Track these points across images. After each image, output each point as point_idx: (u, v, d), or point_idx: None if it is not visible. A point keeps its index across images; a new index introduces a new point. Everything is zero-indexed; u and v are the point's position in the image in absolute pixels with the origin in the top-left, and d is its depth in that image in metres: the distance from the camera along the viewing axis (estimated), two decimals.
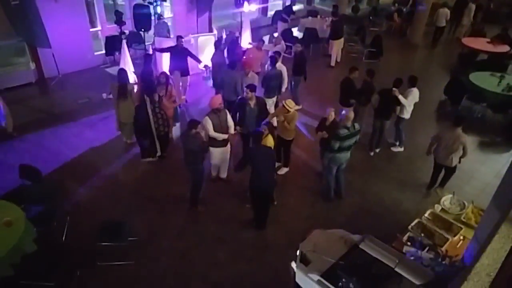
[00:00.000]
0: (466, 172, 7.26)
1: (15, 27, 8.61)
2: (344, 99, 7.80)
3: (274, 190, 5.89)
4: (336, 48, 11.75)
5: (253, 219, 5.89)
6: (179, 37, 8.66)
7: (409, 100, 7.19)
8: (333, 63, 11.85)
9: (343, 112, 5.96)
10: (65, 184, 6.51)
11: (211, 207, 6.21)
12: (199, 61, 8.98)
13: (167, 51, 8.86)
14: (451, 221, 4.87)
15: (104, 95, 8.31)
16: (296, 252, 4.57)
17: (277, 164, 6.70)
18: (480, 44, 12.14)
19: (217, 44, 9.38)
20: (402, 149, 7.86)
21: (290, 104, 6.31)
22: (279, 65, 8.15)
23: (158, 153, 7.20)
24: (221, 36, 10.36)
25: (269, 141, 5.90)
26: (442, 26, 14.11)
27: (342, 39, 11.80)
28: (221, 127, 6.11)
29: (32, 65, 9.66)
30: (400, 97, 7.07)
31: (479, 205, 5.10)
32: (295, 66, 8.77)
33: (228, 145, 6.41)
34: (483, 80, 9.41)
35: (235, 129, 6.37)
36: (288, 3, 13.17)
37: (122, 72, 7.17)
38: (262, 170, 5.37)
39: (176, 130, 7.94)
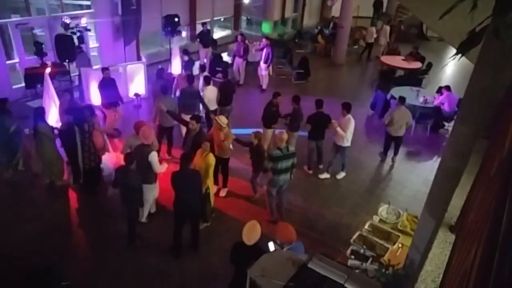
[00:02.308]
0: (398, 182, 7.70)
1: None
2: (266, 123, 7.86)
3: (200, 212, 5.69)
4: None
5: (172, 247, 5.63)
6: (104, 69, 8.41)
7: (350, 131, 7.26)
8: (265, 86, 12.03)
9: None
10: None
11: (149, 240, 5.89)
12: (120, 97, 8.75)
13: (100, 87, 8.48)
14: (389, 230, 5.05)
15: (27, 131, 7.60)
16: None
17: (215, 188, 6.65)
18: (396, 61, 13.22)
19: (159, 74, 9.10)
20: (329, 176, 7.76)
21: (223, 119, 6.49)
22: (211, 87, 8.30)
23: (80, 181, 6.74)
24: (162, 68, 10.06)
25: (211, 159, 5.81)
26: (371, 42, 15.68)
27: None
28: (142, 163, 5.69)
29: None
30: (339, 129, 7.16)
31: (412, 212, 5.37)
32: (222, 97, 8.57)
33: (153, 185, 5.97)
34: (404, 94, 10.15)
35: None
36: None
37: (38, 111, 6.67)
38: (184, 192, 5.26)
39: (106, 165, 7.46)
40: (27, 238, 5.81)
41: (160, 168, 5.88)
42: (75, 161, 6.56)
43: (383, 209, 5.51)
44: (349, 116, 7.27)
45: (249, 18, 18.44)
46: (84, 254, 5.66)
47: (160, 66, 10.19)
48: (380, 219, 5.34)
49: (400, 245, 4.80)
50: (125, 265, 5.48)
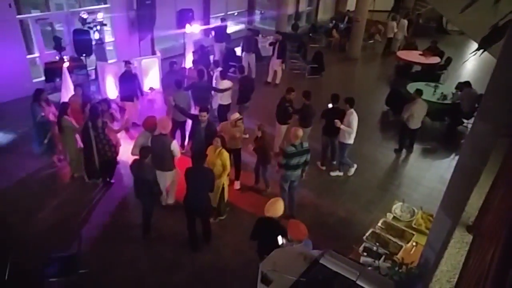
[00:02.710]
0: (413, 179, 7.58)
1: None
2: (280, 119, 7.81)
3: (208, 209, 5.70)
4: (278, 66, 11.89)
5: (188, 240, 5.71)
6: (127, 62, 8.47)
7: (354, 126, 7.00)
8: (271, 79, 11.92)
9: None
10: (6, 218, 6.04)
11: (164, 232, 5.98)
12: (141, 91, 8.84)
13: (120, 80, 8.54)
14: (403, 228, 4.97)
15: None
16: (255, 272, 4.42)
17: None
18: (413, 56, 12.97)
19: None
20: (341, 173, 7.62)
21: (235, 116, 6.63)
22: (225, 82, 8.27)
23: (100, 179, 6.94)
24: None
25: (225, 154, 5.83)
26: (391, 37, 15.36)
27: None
28: (162, 152, 5.88)
29: None
30: (343, 127, 7.00)
31: (427, 210, 5.27)
32: (240, 94, 8.56)
33: (175, 169, 6.22)
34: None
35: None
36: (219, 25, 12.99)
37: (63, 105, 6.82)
38: (194, 189, 5.29)
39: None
40: (47, 226, 5.98)
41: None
42: (90, 156, 6.65)
43: (397, 207, 5.42)
44: (352, 110, 7.04)
45: (262, 12, 18.34)
46: (101, 243, 5.76)
47: (173, 60, 10.21)
48: (394, 217, 5.26)
49: (414, 244, 4.72)
50: (139, 255, 5.57)
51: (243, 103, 8.64)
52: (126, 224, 6.13)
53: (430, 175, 7.74)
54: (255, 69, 12.06)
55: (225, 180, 5.99)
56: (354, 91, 11.77)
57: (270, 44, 11.75)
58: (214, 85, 8.79)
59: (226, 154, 5.85)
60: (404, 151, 8.47)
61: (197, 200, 5.37)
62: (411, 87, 10.14)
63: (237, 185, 7.06)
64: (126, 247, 5.70)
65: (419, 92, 7.98)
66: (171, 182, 6.36)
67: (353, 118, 7.00)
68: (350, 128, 7.00)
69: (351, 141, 7.23)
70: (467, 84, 9.38)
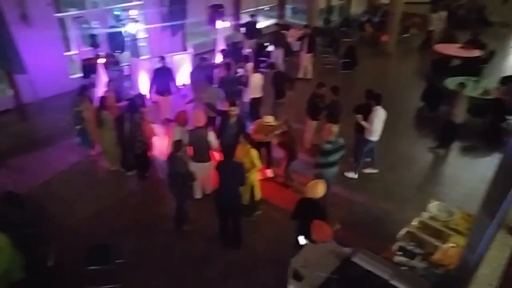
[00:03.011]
0: (450, 178, 7.29)
1: None
2: (311, 114, 7.67)
3: (240, 206, 5.68)
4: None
5: (219, 237, 5.74)
6: (161, 58, 8.62)
7: (375, 123, 6.69)
8: (302, 75, 11.77)
9: None
10: (49, 209, 6.36)
11: (197, 225, 6.07)
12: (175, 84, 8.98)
13: (155, 74, 8.70)
14: (440, 228, 4.80)
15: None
16: (286, 268, 4.41)
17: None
18: (452, 50, 12.42)
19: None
20: (375, 170, 7.34)
21: (269, 120, 6.61)
22: (257, 75, 8.30)
23: (133, 171, 7.14)
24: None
25: (253, 151, 5.82)
26: (432, 30, 14.59)
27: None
28: (200, 145, 5.98)
29: (9, 92, 9.59)
30: (363, 123, 6.77)
31: (466, 211, 5.06)
32: (277, 90, 8.51)
33: (210, 162, 6.30)
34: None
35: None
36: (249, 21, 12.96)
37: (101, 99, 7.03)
38: (226, 184, 5.29)
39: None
40: (85, 217, 6.24)
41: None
42: (125, 149, 6.87)
43: (433, 206, 5.24)
44: (377, 107, 6.70)
45: (293, 6, 18.15)
46: (135, 235, 5.92)
47: (203, 56, 10.31)
48: (430, 216, 5.09)
49: (452, 245, 4.55)
50: (172, 248, 5.69)
51: (278, 99, 8.57)
52: (160, 216, 6.27)
53: (469, 174, 7.41)
54: (284, 64, 11.95)
55: (255, 177, 5.99)
56: (388, 86, 11.49)
57: (298, 39, 11.59)
58: (244, 79, 8.82)
59: (254, 152, 5.83)
60: (442, 148, 8.14)
61: (229, 195, 5.36)
62: (450, 82, 9.76)
63: (269, 173, 7.12)
64: (160, 240, 5.84)
65: (462, 85, 7.69)
66: (207, 175, 6.44)
67: (376, 115, 6.65)
68: (370, 124, 6.70)
69: (372, 138, 6.86)
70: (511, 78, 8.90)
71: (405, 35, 16.04)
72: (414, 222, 5.00)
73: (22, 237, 4.89)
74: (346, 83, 11.75)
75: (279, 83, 8.52)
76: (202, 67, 8.95)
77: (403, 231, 4.85)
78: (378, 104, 6.71)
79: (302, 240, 4.59)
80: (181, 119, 6.37)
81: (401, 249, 4.60)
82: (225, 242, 5.71)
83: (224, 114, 6.60)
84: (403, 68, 13.91)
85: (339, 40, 13.80)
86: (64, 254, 5.36)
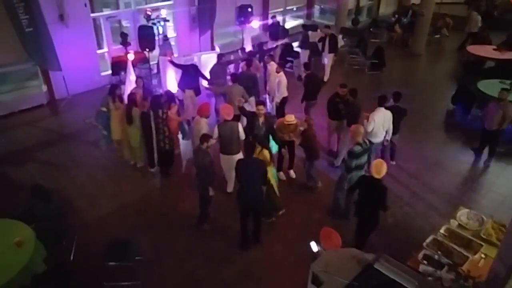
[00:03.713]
0: (482, 185, 7.00)
1: (29, 52, 8.91)
2: (330, 114, 7.51)
3: (262, 204, 5.60)
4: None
5: (241, 237, 5.69)
6: (186, 56, 8.85)
7: (372, 124, 6.44)
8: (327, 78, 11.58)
9: None
10: (73, 203, 6.51)
11: (217, 225, 6.08)
12: (206, 79, 9.00)
13: (181, 68, 8.80)
14: (469, 237, 4.59)
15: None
16: (305, 271, 4.33)
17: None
18: (487, 51, 11.94)
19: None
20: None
21: (290, 119, 6.53)
22: (280, 74, 8.26)
23: (156, 167, 7.22)
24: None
25: (266, 153, 5.81)
26: (474, 32, 13.96)
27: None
28: (231, 137, 6.17)
29: (44, 88, 9.94)
30: (365, 121, 6.54)
31: (499, 220, 4.81)
32: (309, 92, 8.38)
33: (239, 154, 6.29)
34: (493, 88, 9.14)
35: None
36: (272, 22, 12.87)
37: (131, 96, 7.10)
38: (249, 182, 5.23)
39: (184, 147, 7.92)
40: (108, 212, 6.34)
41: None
42: (151, 146, 6.96)
43: (462, 214, 5.02)
44: (379, 108, 6.55)
45: (322, 7, 17.95)
46: (156, 232, 5.96)
47: (221, 53, 10.30)
48: (459, 224, 4.88)
49: (482, 255, 4.34)
50: (192, 247, 5.70)
51: (310, 100, 8.47)
52: (182, 214, 6.31)
53: (502, 181, 7.08)
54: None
55: (271, 176, 5.91)
56: (417, 88, 11.19)
57: (319, 40, 11.44)
58: (267, 78, 8.79)
59: (266, 152, 5.82)
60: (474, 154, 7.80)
61: (252, 193, 5.31)
62: (483, 85, 9.37)
63: (292, 174, 7.12)
64: (180, 238, 5.86)
65: (507, 91, 7.18)
66: (231, 167, 6.40)
67: (374, 116, 6.47)
68: (367, 125, 6.43)
69: (373, 139, 6.57)
70: None
71: (435, 36, 15.58)
72: (442, 230, 4.81)
73: (46, 230, 5.04)
74: (373, 84, 11.53)
75: (311, 84, 8.43)
76: (221, 64, 8.97)
77: (429, 239, 4.67)
78: (380, 105, 6.57)
79: (314, 246, 4.48)
80: (204, 111, 6.53)
81: (427, 257, 4.42)
82: (245, 243, 5.68)
83: (252, 114, 6.57)
84: (433, 70, 13.51)
85: (367, 41, 13.55)
86: (85, 248, 5.45)
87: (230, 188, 6.70)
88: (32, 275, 4.36)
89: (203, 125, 6.44)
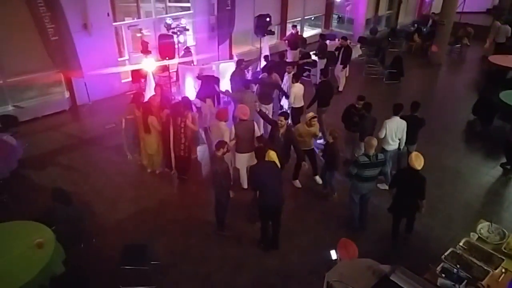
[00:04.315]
0: (504, 197, 6.83)
1: (53, 60, 9.22)
2: (346, 125, 7.51)
3: (282, 206, 5.60)
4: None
5: (260, 241, 5.72)
6: (208, 67, 8.98)
7: (383, 132, 6.54)
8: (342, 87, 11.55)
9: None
10: (92, 206, 6.62)
11: (233, 230, 6.09)
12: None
13: (202, 79, 8.91)
14: (490, 251, 4.47)
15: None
16: (320, 280, 4.31)
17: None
18: (510, 61, 11.72)
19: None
20: (387, 187, 6.47)
21: (310, 115, 6.71)
22: (298, 85, 8.31)
23: (173, 171, 7.29)
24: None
25: (273, 154, 5.81)
26: (502, 42, 13.81)
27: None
28: (247, 135, 6.39)
29: (67, 94, 10.25)
30: (381, 130, 6.63)
31: None
32: (321, 98, 8.44)
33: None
34: None
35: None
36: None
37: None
38: (269, 186, 5.23)
39: (201, 154, 8.07)
40: (126, 216, 6.43)
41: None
42: (168, 152, 7.07)
43: (483, 227, 4.90)
44: (393, 117, 6.62)
45: (340, 16, 17.96)
46: (172, 237, 6.01)
47: (241, 58, 10.40)
48: (479, 237, 4.76)
49: (503, 270, 4.23)
50: (208, 252, 5.72)
51: (322, 107, 8.51)
52: (198, 219, 6.35)
53: None
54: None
55: None
56: (436, 98, 11.06)
57: (336, 49, 11.44)
58: (285, 88, 8.82)
59: (273, 153, 5.83)
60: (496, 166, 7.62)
61: (274, 197, 5.30)
62: (505, 95, 9.19)
63: (318, 180, 7.15)
64: (196, 243, 5.89)
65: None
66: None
67: (385, 124, 6.57)
68: (380, 132, 6.58)
69: (386, 147, 6.70)
70: None
71: (456, 46, 15.37)
72: (461, 243, 4.70)
73: (66, 233, 5.13)
74: (390, 93, 11.43)
75: (324, 91, 8.46)
76: (241, 70, 9.09)
77: (448, 252, 4.57)
78: (395, 114, 6.63)
79: (334, 255, 4.46)
80: (223, 116, 6.80)
81: (445, 271, 4.32)
82: (266, 247, 5.68)
83: (275, 124, 6.61)
84: (453, 80, 13.32)
85: (385, 50, 13.48)
86: (102, 252, 5.55)
87: (245, 184, 6.84)
88: (51, 276, 4.45)
89: (222, 127, 6.67)
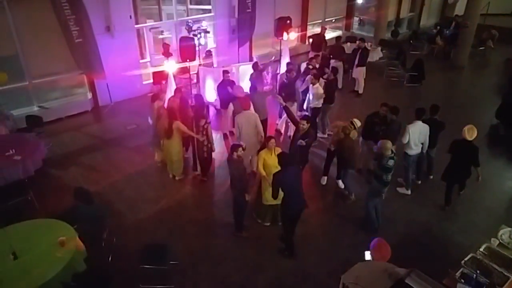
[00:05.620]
0: None
1: (77, 61, 9.50)
2: (366, 134, 7.33)
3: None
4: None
5: (286, 248, 5.69)
6: (225, 72, 8.91)
7: (407, 137, 6.49)
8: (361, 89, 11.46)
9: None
10: (113, 206, 6.73)
11: (251, 232, 6.12)
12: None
13: (221, 86, 8.98)
14: (511, 257, 4.39)
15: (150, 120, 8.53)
16: (337, 282, 4.31)
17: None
18: None
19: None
20: (409, 192, 6.97)
21: (357, 122, 6.64)
22: (318, 86, 8.31)
23: (197, 172, 7.47)
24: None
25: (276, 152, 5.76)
26: None
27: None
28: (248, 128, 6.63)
29: (89, 95, 10.53)
30: (404, 135, 6.56)
31: None
32: (327, 96, 8.45)
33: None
34: None
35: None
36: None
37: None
38: (294, 191, 5.22)
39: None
40: (145, 216, 6.52)
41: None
42: (194, 152, 7.30)
43: (504, 232, 4.81)
44: (416, 122, 6.57)
45: (361, 18, 17.82)
46: (191, 237, 6.07)
47: (256, 61, 10.49)
48: (500, 243, 4.68)
49: None
50: (226, 253, 5.76)
51: (328, 103, 8.62)
52: (217, 221, 6.41)
53: None
54: (344, 77, 11.82)
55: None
56: (458, 101, 10.84)
57: (353, 51, 11.37)
58: (305, 88, 8.86)
59: (277, 148, 5.84)
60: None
61: (300, 201, 5.32)
62: None
63: (340, 184, 7.06)
64: (214, 244, 5.93)
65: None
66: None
67: (408, 129, 6.54)
68: (403, 137, 6.57)
69: (408, 151, 6.69)
70: None
71: (480, 48, 15.05)
72: (481, 248, 4.63)
73: (87, 231, 5.25)
74: (411, 96, 11.30)
75: (329, 89, 8.61)
76: (260, 71, 9.27)
77: (468, 257, 4.50)
78: (418, 119, 6.57)
79: (368, 256, 4.46)
80: (247, 104, 6.93)
81: (464, 276, 4.27)
82: (292, 254, 5.67)
83: (297, 125, 6.57)
84: (476, 83, 13.02)
85: (407, 53, 13.31)
86: (123, 251, 5.65)
87: (249, 169, 6.94)
88: (73, 274, 4.54)
89: (251, 115, 6.86)
